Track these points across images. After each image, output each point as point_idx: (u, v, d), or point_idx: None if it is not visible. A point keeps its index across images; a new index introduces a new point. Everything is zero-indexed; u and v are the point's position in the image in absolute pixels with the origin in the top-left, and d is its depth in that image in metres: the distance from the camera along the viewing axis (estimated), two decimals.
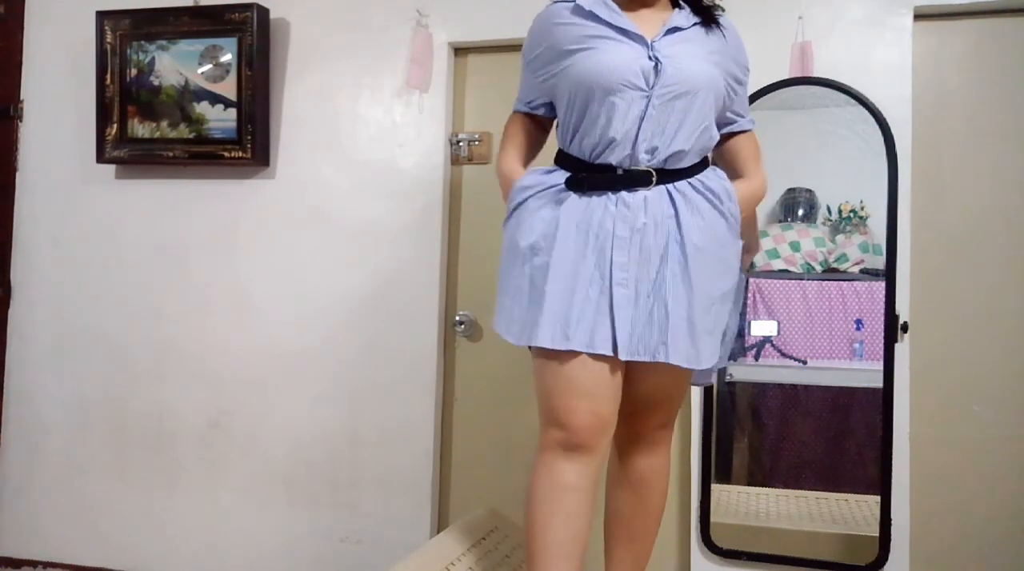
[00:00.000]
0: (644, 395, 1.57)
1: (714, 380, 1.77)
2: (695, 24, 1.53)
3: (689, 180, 1.50)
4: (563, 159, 1.55)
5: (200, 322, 2.59)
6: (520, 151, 1.64)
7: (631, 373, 1.52)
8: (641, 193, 1.46)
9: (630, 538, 1.69)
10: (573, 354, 1.44)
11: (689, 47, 1.49)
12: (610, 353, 1.44)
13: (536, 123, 1.66)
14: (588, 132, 1.48)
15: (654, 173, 1.46)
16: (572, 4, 1.51)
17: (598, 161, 1.48)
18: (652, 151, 1.46)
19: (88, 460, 2.68)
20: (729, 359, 2.21)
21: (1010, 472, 2.08)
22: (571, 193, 1.49)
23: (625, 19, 1.49)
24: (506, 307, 1.52)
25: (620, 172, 1.47)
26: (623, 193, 1.46)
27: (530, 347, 1.51)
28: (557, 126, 1.60)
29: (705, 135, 1.51)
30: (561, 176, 1.52)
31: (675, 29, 1.50)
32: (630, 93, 1.43)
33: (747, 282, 2.05)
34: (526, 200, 1.53)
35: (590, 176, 1.48)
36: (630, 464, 1.66)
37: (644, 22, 1.50)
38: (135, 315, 2.65)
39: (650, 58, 1.45)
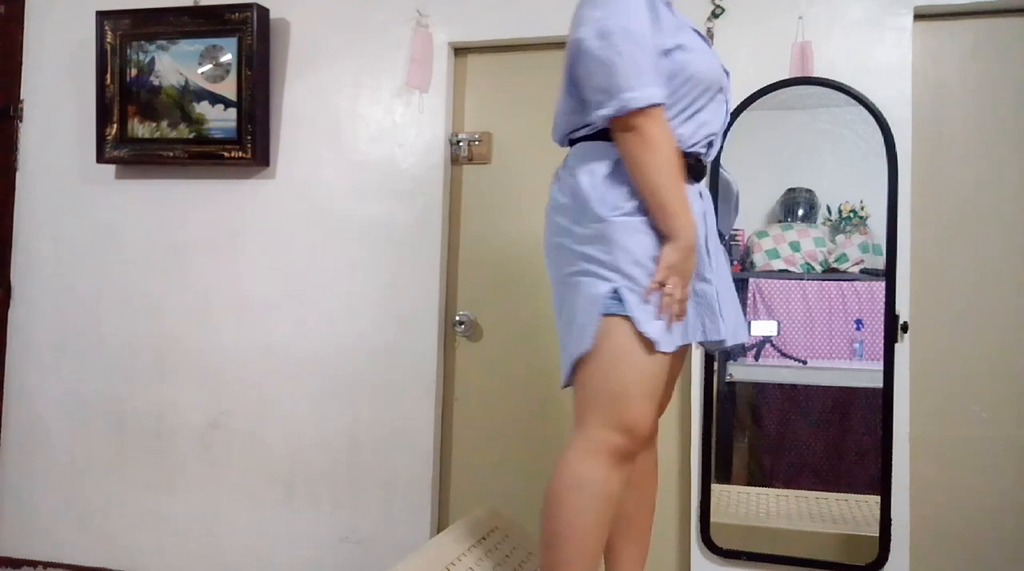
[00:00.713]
0: (668, 383, 1.61)
1: None
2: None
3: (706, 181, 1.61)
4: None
5: (200, 322, 2.59)
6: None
7: None
8: (699, 184, 1.54)
9: (635, 532, 1.71)
10: (665, 356, 1.42)
11: None
12: (721, 337, 1.50)
13: None
14: (694, 119, 1.48)
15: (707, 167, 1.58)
16: None
17: (690, 150, 1.50)
18: (718, 150, 1.60)
19: (88, 460, 2.68)
20: (729, 359, 2.23)
21: (1010, 472, 2.08)
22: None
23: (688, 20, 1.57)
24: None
25: (701, 164, 1.54)
26: (696, 183, 1.53)
27: (601, 334, 1.40)
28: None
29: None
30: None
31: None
32: (722, 94, 1.54)
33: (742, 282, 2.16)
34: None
35: (692, 167, 1.51)
36: (637, 460, 1.67)
37: None
38: (135, 315, 2.65)
39: (722, 66, 1.54)
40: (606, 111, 1.38)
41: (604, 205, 1.42)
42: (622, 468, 1.42)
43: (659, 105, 1.37)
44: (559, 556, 1.42)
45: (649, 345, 1.39)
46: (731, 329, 1.54)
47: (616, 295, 1.39)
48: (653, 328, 1.38)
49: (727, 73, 1.56)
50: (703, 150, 1.52)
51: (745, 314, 2.21)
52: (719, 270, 1.54)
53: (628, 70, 1.36)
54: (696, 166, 1.51)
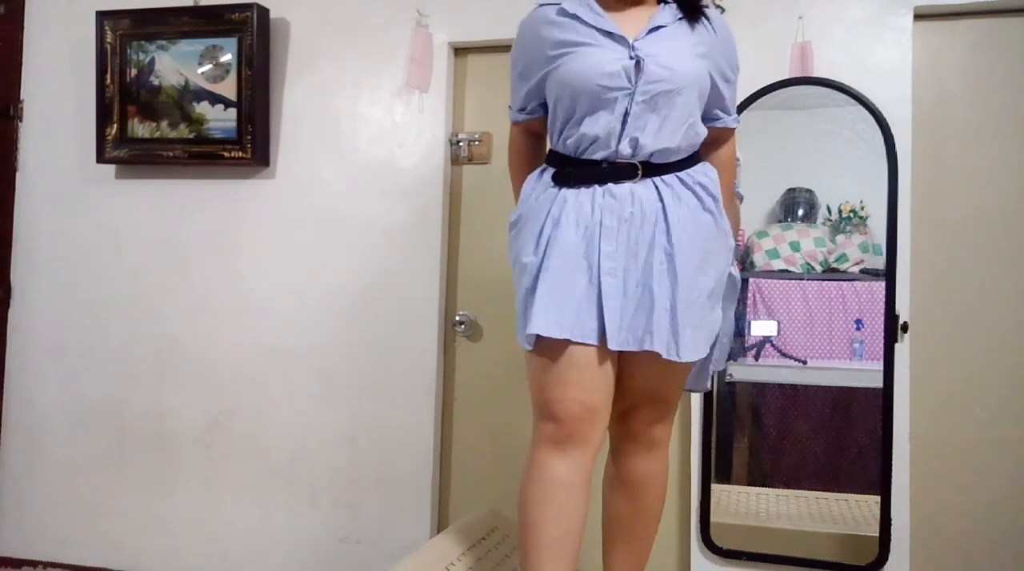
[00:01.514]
0: (637, 389, 1.58)
1: (709, 386, 1.75)
2: (679, 19, 1.53)
3: (678, 174, 1.52)
4: (553, 157, 1.59)
5: (200, 322, 2.59)
6: (532, 167, 1.64)
7: (624, 367, 1.54)
8: (628, 184, 1.48)
9: (628, 542, 1.68)
10: (563, 346, 1.45)
11: (673, 43, 1.50)
12: (596, 343, 1.45)
13: (535, 131, 1.69)
14: (572, 131, 1.51)
15: (639, 166, 1.49)
16: (557, 6, 1.53)
17: (583, 157, 1.51)
18: (635, 146, 1.48)
19: (88, 460, 2.68)
20: (728, 359, 2.22)
21: (1010, 472, 2.08)
22: (562, 189, 1.51)
23: (608, 21, 1.50)
24: (519, 313, 1.53)
25: (605, 166, 1.49)
26: (610, 185, 1.48)
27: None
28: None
29: (691, 131, 1.53)
30: (550, 173, 1.56)
31: (658, 27, 1.51)
32: (612, 93, 1.46)
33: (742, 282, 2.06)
34: (527, 210, 1.56)
35: (576, 170, 1.51)
36: (626, 466, 1.65)
37: (629, 21, 1.52)
38: (135, 315, 2.65)
39: (631, 57, 1.46)
40: None
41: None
42: (562, 453, 1.46)
43: (515, 123, 1.67)
44: (523, 547, 1.49)
45: (537, 343, 1.48)
46: (620, 333, 1.44)
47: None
48: (524, 321, 1.49)
49: (637, 65, 1.45)
50: (601, 153, 1.49)
51: (745, 314, 2.21)
52: (655, 270, 1.45)
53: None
54: (599, 170, 1.49)
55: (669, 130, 1.49)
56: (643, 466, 1.65)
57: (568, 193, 1.50)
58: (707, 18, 1.56)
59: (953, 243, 2.13)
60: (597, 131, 1.48)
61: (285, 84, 2.54)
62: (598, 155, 1.50)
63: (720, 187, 1.58)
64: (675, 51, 1.49)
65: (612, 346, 1.44)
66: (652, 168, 1.50)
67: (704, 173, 1.56)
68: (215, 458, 2.57)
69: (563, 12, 1.52)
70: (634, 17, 1.52)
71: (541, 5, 1.57)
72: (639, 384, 1.57)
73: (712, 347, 1.57)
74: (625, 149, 1.48)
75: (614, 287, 1.45)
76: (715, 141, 1.66)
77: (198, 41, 2.52)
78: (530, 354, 1.51)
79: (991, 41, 2.12)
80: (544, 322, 1.44)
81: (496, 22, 2.36)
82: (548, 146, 1.63)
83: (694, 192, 1.52)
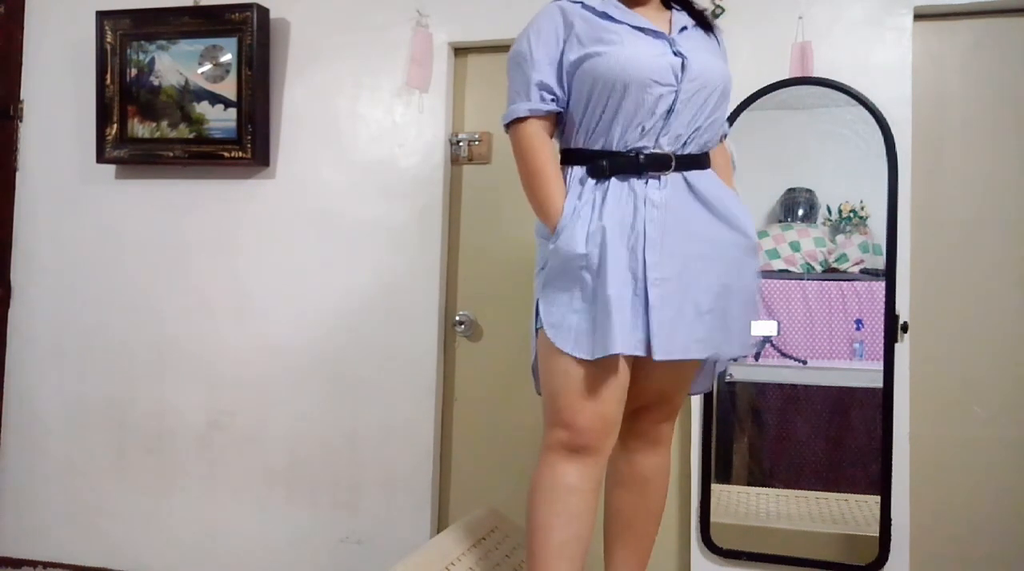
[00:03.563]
0: (649, 390, 1.59)
1: (712, 387, 1.77)
2: (695, 26, 1.58)
3: (706, 173, 1.54)
4: (576, 154, 1.54)
5: (200, 322, 2.59)
6: (560, 178, 1.53)
7: (637, 370, 1.53)
8: (666, 192, 1.48)
9: (632, 538, 1.70)
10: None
11: (700, 44, 1.54)
12: (643, 354, 1.44)
13: (551, 126, 1.57)
14: (617, 123, 1.48)
15: (673, 158, 1.49)
16: (581, 4, 1.52)
17: (618, 150, 1.49)
18: (674, 140, 1.49)
19: (88, 460, 2.68)
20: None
21: (1010, 472, 2.08)
22: (599, 183, 1.49)
23: (639, 18, 1.52)
24: (572, 325, 1.46)
25: (643, 158, 1.48)
26: (650, 191, 1.47)
27: (538, 345, 1.52)
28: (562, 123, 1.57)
29: (716, 126, 1.56)
30: (580, 171, 1.52)
31: (684, 27, 1.54)
32: (659, 87, 1.46)
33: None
34: (568, 221, 1.50)
35: (611, 162, 1.48)
36: (633, 463, 1.67)
37: (648, 20, 1.53)
38: (135, 315, 2.65)
39: (675, 54, 1.48)
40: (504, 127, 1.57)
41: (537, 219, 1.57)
42: (574, 460, 1.46)
43: (522, 119, 1.52)
44: (530, 550, 1.49)
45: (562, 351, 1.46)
46: (666, 344, 1.43)
47: (538, 306, 1.52)
48: (552, 332, 1.47)
49: (682, 63, 1.47)
50: (645, 144, 1.48)
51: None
52: (695, 278, 1.47)
53: (510, 91, 1.55)
54: (637, 161, 1.47)
55: (704, 126, 1.52)
56: (649, 463, 1.67)
57: (608, 195, 1.47)
58: (714, 28, 1.62)
59: (953, 243, 2.13)
60: (645, 122, 1.46)
61: (285, 84, 2.54)
62: (637, 146, 1.48)
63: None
64: (703, 50, 1.53)
65: (659, 357, 1.43)
66: (681, 162, 1.50)
67: (715, 177, 1.57)
68: (215, 458, 2.57)
69: (591, 9, 1.51)
70: (652, 17, 1.54)
71: (559, 2, 1.54)
72: (653, 385, 1.58)
73: None
74: (664, 143, 1.48)
75: (660, 298, 1.44)
76: (717, 149, 1.67)
77: (198, 41, 2.52)
78: (550, 359, 1.48)
79: (991, 41, 2.12)
80: (621, 341, 1.40)
81: (496, 22, 2.36)
82: (560, 146, 1.59)
83: (716, 194, 1.53)
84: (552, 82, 1.51)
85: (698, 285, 1.47)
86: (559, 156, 1.58)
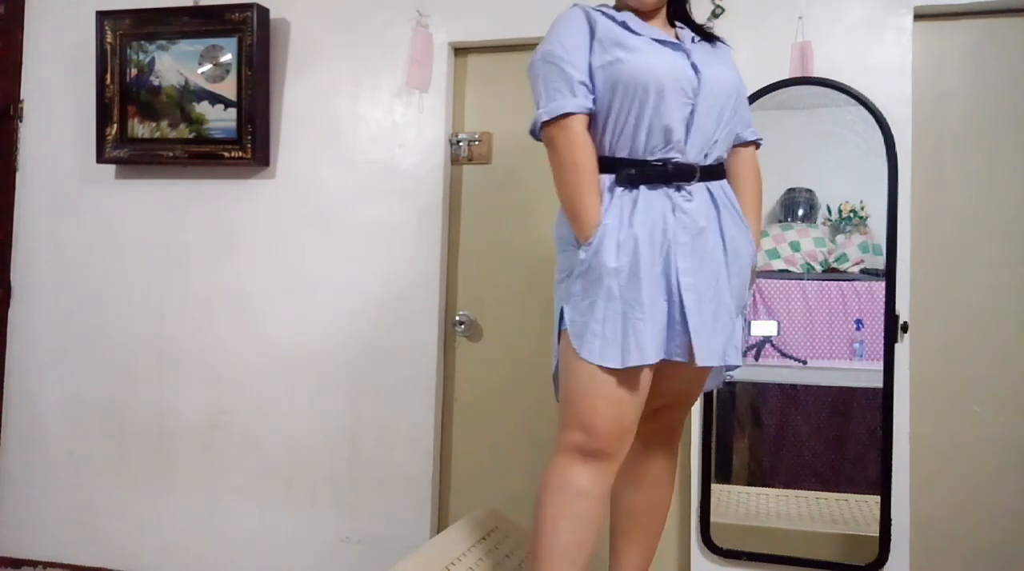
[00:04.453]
0: (670, 391, 1.60)
1: (722, 382, 1.78)
2: (699, 40, 1.61)
3: (721, 183, 1.56)
4: (602, 164, 1.52)
5: (200, 322, 2.59)
6: (598, 185, 1.49)
7: (662, 373, 1.53)
8: (695, 201, 1.49)
9: (642, 537, 1.72)
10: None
11: (711, 56, 1.57)
12: (684, 359, 1.46)
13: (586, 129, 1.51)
14: (640, 130, 1.48)
15: (698, 168, 1.51)
16: (601, 12, 1.54)
17: (652, 158, 1.49)
18: (697, 150, 1.51)
19: (88, 460, 2.68)
20: None
21: (1010, 472, 2.08)
22: (628, 191, 1.48)
23: (656, 30, 1.55)
24: (597, 333, 1.45)
25: (670, 167, 1.49)
26: (679, 199, 1.48)
27: (560, 344, 1.52)
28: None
29: (730, 137, 1.60)
30: (608, 180, 1.50)
31: (693, 40, 1.58)
32: (680, 97, 1.48)
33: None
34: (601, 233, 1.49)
35: (641, 170, 1.49)
36: (645, 464, 1.69)
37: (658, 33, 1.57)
38: (135, 315, 2.65)
39: (692, 66, 1.50)
40: (531, 130, 1.55)
41: (560, 224, 1.57)
42: (591, 464, 1.46)
43: (569, 114, 1.46)
44: (535, 551, 1.49)
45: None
46: (707, 348, 1.46)
47: (562, 313, 1.51)
48: (577, 342, 1.46)
49: (697, 72, 1.50)
50: (672, 154, 1.49)
51: (745, 315, 2.21)
52: (723, 285, 1.51)
53: (541, 90, 1.50)
54: (666, 170, 1.48)
55: (722, 135, 1.55)
56: (661, 463, 1.70)
57: (639, 202, 1.47)
58: (720, 41, 1.65)
59: (953, 243, 2.13)
60: (671, 130, 1.47)
61: (285, 84, 2.54)
62: (663, 155, 1.49)
63: (753, 206, 1.63)
64: (715, 62, 1.55)
65: (701, 362, 1.45)
66: (705, 172, 1.52)
67: (731, 189, 1.60)
68: (215, 458, 2.57)
69: (611, 17, 1.53)
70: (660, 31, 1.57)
71: (582, 6, 1.55)
72: (674, 385, 1.60)
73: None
74: (689, 151, 1.50)
75: (694, 303, 1.45)
76: (739, 156, 1.67)
77: (198, 41, 2.52)
78: (578, 360, 1.46)
79: (991, 41, 2.12)
80: (650, 348, 1.43)
81: (496, 22, 2.36)
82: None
83: (735, 207, 1.57)
84: (589, 82, 1.49)
85: (727, 291, 1.51)
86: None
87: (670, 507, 1.75)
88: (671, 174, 1.49)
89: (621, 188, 1.48)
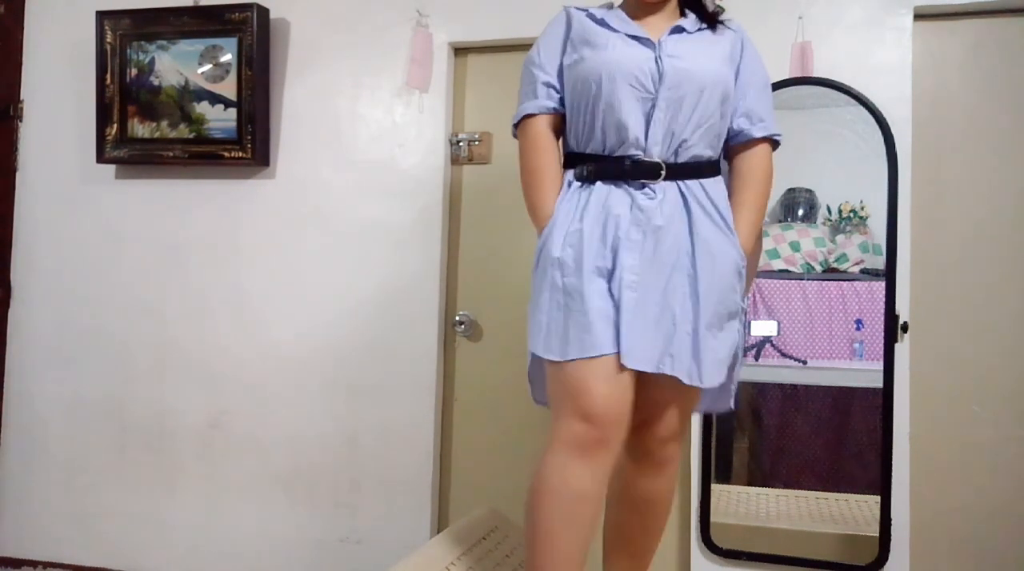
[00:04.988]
0: (652, 402, 1.52)
1: (733, 405, 1.65)
2: (702, 29, 1.56)
3: (702, 182, 1.50)
4: (575, 160, 1.54)
5: (200, 322, 2.59)
6: (557, 181, 1.54)
7: (639, 382, 1.48)
8: (656, 199, 1.46)
9: (631, 554, 1.68)
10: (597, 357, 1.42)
11: (694, 46, 1.52)
12: (612, 353, 1.41)
13: (553, 129, 1.58)
14: (597, 126, 1.49)
15: (663, 166, 1.48)
16: (585, 12, 1.56)
17: (613, 154, 1.49)
18: (659, 145, 1.47)
19: (88, 460, 2.68)
20: None
21: (1010, 472, 2.08)
22: (584, 187, 1.50)
23: (634, 26, 1.53)
24: (542, 325, 1.46)
25: (628, 164, 1.47)
26: (639, 197, 1.46)
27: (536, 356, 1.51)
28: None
29: (711, 133, 1.52)
30: (571, 174, 1.53)
31: (680, 30, 1.53)
32: (640, 91, 1.46)
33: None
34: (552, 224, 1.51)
35: (598, 167, 1.49)
36: (636, 484, 1.62)
37: (652, 29, 1.54)
38: (135, 315, 2.65)
39: (657, 59, 1.48)
40: (512, 133, 1.63)
41: None
42: (587, 459, 1.40)
43: (530, 116, 1.56)
44: (529, 552, 1.46)
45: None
46: (638, 350, 1.41)
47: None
48: (529, 333, 1.49)
49: (659, 67, 1.47)
50: (631, 151, 1.47)
51: (746, 314, 2.21)
52: (677, 290, 1.44)
53: (520, 95, 1.60)
54: (623, 166, 1.47)
55: (690, 130, 1.48)
56: (653, 486, 1.62)
57: (592, 198, 1.47)
58: (728, 27, 1.60)
59: (953, 243, 2.13)
60: (624, 126, 1.46)
61: (285, 84, 2.54)
62: (622, 152, 1.48)
63: (751, 203, 1.55)
64: (695, 53, 1.50)
65: (627, 364, 1.40)
66: (675, 170, 1.48)
67: (721, 190, 1.54)
68: (215, 458, 2.57)
69: (591, 17, 1.55)
70: (656, 26, 1.55)
71: (568, 8, 1.59)
72: (655, 397, 1.52)
73: (731, 369, 1.54)
74: (651, 148, 1.47)
75: (632, 301, 1.42)
76: (744, 154, 1.59)
77: (198, 41, 2.52)
78: (553, 365, 1.45)
79: (991, 41, 2.12)
80: (588, 342, 1.41)
81: (496, 22, 2.36)
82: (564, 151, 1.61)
83: (717, 209, 1.49)
84: (556, 83, 1.56)
85: (676, 298, 1.44)
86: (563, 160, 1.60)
87: (665, 527, 1.68)
88: (629, 171, 1.47)
89: (578, 183, 1.51)
